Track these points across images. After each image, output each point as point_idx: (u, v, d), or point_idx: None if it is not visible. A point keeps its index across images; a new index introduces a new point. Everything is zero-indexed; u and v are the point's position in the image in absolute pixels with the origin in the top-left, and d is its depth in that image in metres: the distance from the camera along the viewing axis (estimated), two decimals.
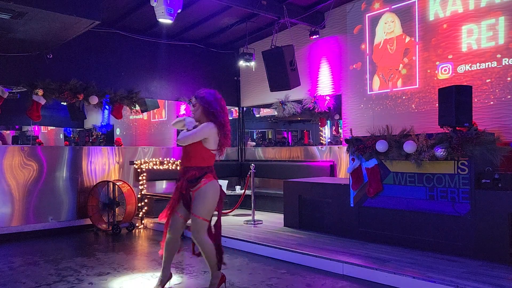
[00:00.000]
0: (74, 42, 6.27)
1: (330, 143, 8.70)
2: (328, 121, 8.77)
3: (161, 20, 5.61)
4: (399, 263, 4.22)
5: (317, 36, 7.40)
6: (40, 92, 6.47)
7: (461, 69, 5.65)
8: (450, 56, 5.77)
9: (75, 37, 5.77)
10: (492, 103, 5.34)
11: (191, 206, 3.54)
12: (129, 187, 6.88)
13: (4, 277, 4.34)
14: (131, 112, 8.07)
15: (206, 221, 3.51)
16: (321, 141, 9.40)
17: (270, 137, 14.96)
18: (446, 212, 4.58)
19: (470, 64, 5.56)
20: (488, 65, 5.39)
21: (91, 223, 6.83)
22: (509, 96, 5.19)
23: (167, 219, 3.65)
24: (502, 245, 4.19)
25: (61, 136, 10.63)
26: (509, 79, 5.21)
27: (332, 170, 7.26)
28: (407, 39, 6.29)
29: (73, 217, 6.86)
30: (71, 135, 10.75)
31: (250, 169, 6.71)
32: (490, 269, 4.01)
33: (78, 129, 10.71)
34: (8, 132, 9.78)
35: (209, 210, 3.53)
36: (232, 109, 9.53)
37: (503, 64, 5.25)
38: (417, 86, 6.15)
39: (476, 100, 5.31)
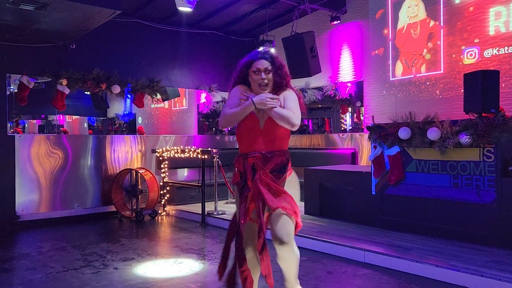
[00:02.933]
0: (96, 32, 6.34)
1: (351, 131, 8.61)
2: (350, 108, 8.66)
3: (180, 8, 5.62)
4: (422, 252, 4.17)
5: (338, 21, 7.27)
6: (64, 82, 6.60)
7: (488, 53, 5.47)
8: (476, 40, 5.59)
9: (97, 27, 5.83)
10: None
11: (269, 202, 2.54)
12: (151, 175, 6.98)
13: (34, 261, 4.50)
14: (153, 101, 8.15)
15: (297, 220, 2.65)
16: (342, 128, 9.31)
17: None
18: (471, 200, 4.49)
19: (497, 48, 5.37)
20: None
21: (115, 210, 6.98)
22: None
23: (239, 232, 2.67)
24: None
25: (85, 125, 10.83)
26: None
27: (353, 157, 7.19)
28: (432, 23, 6.11)
29: (98, 204, 7.03)
30: (95, 124, 10.95)
31: None
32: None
33: (101, 118, 10.88)
34: (34, 121, 10.03)
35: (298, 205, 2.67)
36: None
37: None
38: (441, 71, 5.99)
39: (503, 85, 5.14)
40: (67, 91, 6.67)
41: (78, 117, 10.84)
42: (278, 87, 2.78)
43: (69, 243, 5.29)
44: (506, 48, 5.30)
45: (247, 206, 2.61)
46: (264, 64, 2.70)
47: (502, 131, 4.18)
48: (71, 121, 10.76)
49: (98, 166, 7.06)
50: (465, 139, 4.35)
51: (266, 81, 2.70)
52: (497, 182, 4.29)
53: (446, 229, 4.70)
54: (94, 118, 10.94)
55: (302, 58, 6.61)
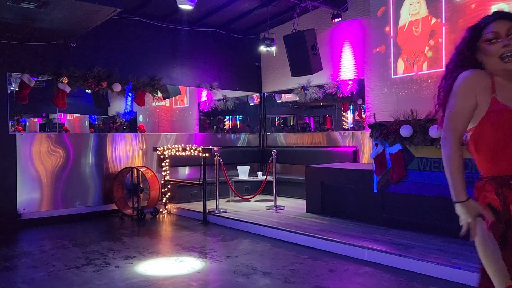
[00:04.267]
0: (97, 30, 6.34)
1: (353, 129, 8.59)
2: (351, 106, 8.64)
3: (181, 6, 5.60)
4: (424, 250, 4.17)
5: (340, 19, 7.24)
6: (65, 80, 6.60)
7: None
8: None
9: (98, 25, 5.82)
10: None
11: None
12: (152, 173, 6.98)
13: (36, 259, 4.51)
14: (154, 99, 8.15)
15: None
16: (344, 126, 9.30)
17: (292, 123, 14.89)
18: (472, 197, 4.47)
19: None
20: None
21: (117, 208, 6.98)
22: None
23: None
24: None
25: (86, 123, 10.83)
26: None
27: (354, 155, 7.17)
28: (433, 20, 6.09)
29: (99, 202, 7.03)
30: (96, 122, 10.94)
31: (272, 155, 6.70)
32: None
33: (102, 117, 10.87)
34: (35, 120, 10.03)
35: None
36: (253, 95, 9.50)
37: None
38: (443, 69, 5.96)
39: None
40: (68, 89, 6.66)
41: (79, 115, 10.84)
42: None
43: (70, 241, 5.29)
44: None
45: None
46: (506, 25, 1.75)
47: None
48: (72, 120, 10.76)
49: (99, 164, 7.06)
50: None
51: None
52: None
53: (448, 227, 4.69)
54: (95, 116, 10.93)
55: (303, 56, 6.59)
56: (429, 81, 6.15)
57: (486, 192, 1.79)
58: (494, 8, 5.38)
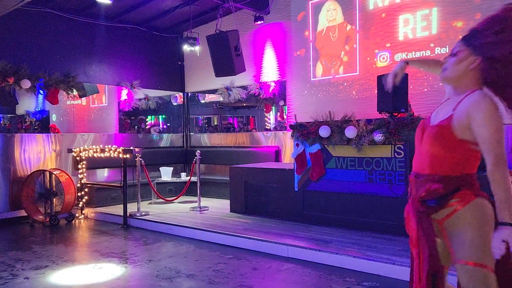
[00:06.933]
0: (3, 21, 5.80)
1: (275, 129, 8.81)
2: (273, 107, 8.86)
3: (99, 0, 5.32)
4: (341, 244, 4.40)
5: (262, 21, 7.39)
6: None
7: (398, 57, 5.90)
8: (388, 45, 6.01)
9: (4, 15, 5.33)
10: (426, 90, 5.65)
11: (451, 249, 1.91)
12: (67, 176, 6.55)
13: None
14: (68, 97, 7.66)
15: (485, 268, 1.81)
16: (266, 127, 9.49)
17: (216, 123, 14.88)
18: (384, 194, 4.82)
19: (406, 53, 5.83)
20: (422, 53, 5.68)
21: (26, 214, 6.45)
22: (441, 84, 5.51)
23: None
24: None
25: None
26: None
27: (277, 155, 7.37)
28: (348, 27, 6.46)
29: (5, 208, 6.44)
30: (1, 122, 10.02)
31: (196, 156, 6.64)
32: None
33: (9, 115, 10.00)
34: None
35: (483, 246, 1.82)
36: (176, 95, 9.34)
37: (436, 53, 5.56)
38: (357, 73, 6.35)
39: (411, 87, 5.59)
40: None
41: None
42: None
43: None
44: (413, 53, 5.76)
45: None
46: (456, 46, 1.95)
47: (411, 129, 4.55)
48: None
49: (5, 167, 6.47)
50: (378, 137, 4.66)
51: None
52: (407, 176, 4.65)
53: (363, 221, 5.00)
54: (1, 115, 10.01)
55: (227, 57, 6.62)
56: (345, 84, 6.50)
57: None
58: (401, 17, 5.85)
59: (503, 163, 1.75)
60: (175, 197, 7.12)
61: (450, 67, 1.94)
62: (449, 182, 1.89)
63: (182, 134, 9.16)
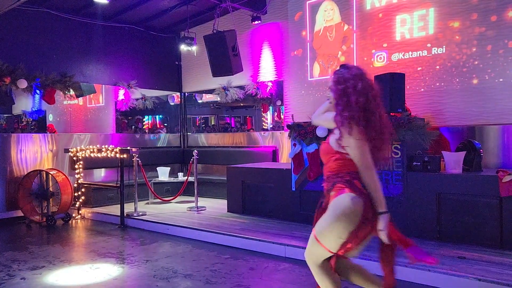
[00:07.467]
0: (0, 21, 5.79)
1: (272, 129, 8.81)
2: (271, 107, 8.88)
3: None
4: None
5: (259, 21, 7.39)
6: None
7: (395, 57, 5.92)
8: (385, 45, 6.02)
9: (1, 15, 5.31)
10: (423, 90, 5.67)
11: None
12: (64, 176, 6.54)
13: None
14: (65, 97, 7.64)
15: (319, 243, 2.45)
16: (264, 126, 9.50)
17: (213, 123, 14.88)
18: None
19: (403, 53, 5.84)
20: (419, 54, 5.69)
21: (23, 214, 6.43)
22: (437, 84, 5.54)
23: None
24: (431, 223, 4.50)
25: None
26: (437, 67, 5.55)
27: (274, 155, 7.37)
28: (346, 27, 6.47)
29: (1, 209, 6.42)
30: None
31: (193, 156, 6.64)
32: (419, 245, 4.29)
33: (5, 115, 9.97)
34: None
35: (332, 232, 2.38)
36: (173, 95, 9.33)
37: (433, 53, 5.58)
38: None
39: (408, 87, 5.60)
40: None
41: None
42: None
43: None
44: (410, 53, 5.78)
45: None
46: None
47: (407, 129, 4.55)
48: None
49: (2, 167, 6.45)
50: None
51: None
52: (404, 176, 4.66)
53: None
54: None
55: (224, 57, 6.62)
56: None
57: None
58: (398, 18, 5.86)
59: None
60: (172, 197, 7.11)
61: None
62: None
63: (180, 134, 9.15)
